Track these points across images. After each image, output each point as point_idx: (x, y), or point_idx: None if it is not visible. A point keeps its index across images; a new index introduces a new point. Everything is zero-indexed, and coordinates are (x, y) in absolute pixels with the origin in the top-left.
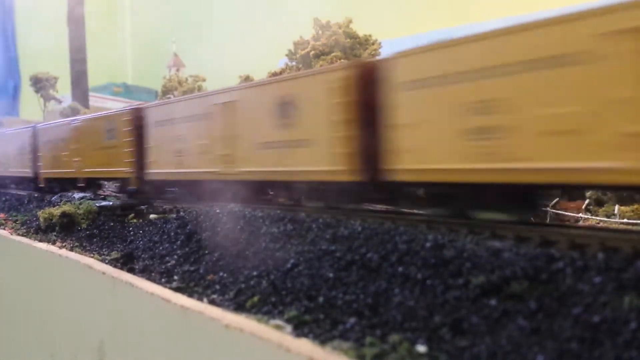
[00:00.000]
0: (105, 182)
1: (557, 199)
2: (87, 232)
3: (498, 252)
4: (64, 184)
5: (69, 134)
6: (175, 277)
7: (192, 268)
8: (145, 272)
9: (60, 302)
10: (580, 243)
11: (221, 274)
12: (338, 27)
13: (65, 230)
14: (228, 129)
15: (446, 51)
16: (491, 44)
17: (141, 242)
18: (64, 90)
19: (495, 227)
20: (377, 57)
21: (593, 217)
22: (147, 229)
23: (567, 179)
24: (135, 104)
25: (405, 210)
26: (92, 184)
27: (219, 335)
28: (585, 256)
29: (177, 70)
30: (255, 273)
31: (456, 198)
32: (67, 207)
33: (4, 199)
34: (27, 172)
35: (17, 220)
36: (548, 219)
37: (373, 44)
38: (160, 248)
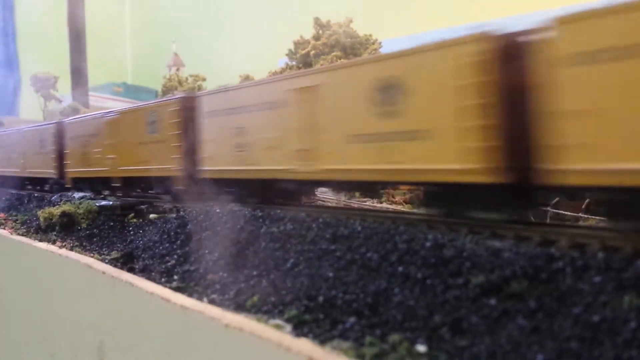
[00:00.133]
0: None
1: (558, 198)
2: (87, 232)
3: (498, 251)
4: (95, 185)
5: (102, 129)
6: (175, 277)
7: (192, 267)
8: (145, 272)
9: (60, 302)
10: (580, 242)
11: (221, 273)
12: (338, 27)
13: (65, 229)
14: (306, 119)
15: None
16: None
17: (141, 242)
18: (64, 90)
19: (496, 226)
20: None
21: (593, 217)
22: (147, 228)
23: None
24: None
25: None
26: (130, 184)
27: (219, 334)
28: (585, 256)
29: (177, 69)
30: (255, 272)
31: None
32: (67, 207)
33: (4, 198)
34: (50, 172)
35: (17, 219)
36: (548, 219)
37: (373, 43)
38: (160, 248)
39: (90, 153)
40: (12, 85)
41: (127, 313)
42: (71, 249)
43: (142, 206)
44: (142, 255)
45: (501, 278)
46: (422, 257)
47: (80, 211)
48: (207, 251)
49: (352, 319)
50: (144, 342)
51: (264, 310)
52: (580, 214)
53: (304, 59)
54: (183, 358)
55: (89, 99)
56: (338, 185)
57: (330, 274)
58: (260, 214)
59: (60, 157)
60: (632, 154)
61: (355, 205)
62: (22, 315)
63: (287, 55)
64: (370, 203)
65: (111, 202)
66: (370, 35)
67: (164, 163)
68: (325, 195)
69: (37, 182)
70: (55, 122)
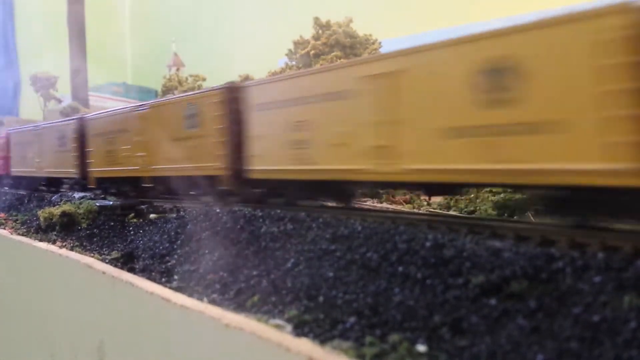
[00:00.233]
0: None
1: None
2: (87, 232)
3: (498, 251)
4: (122, 185)
5: (131, 124)
6: (176, 277)
7: (192, 267)
8: (146, 272)
9: (60, 301)
10: (580, 242)
11: (221, 273)
12: (338, 27)
13: (65, 229)
14: (384, 110)
15: None
16: None
17: (141, 242)
18: (63, 90)
19: (496, 226)
20: None
21: None
22: (147, 228)
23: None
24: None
25: None
26: (163, 184)
27: (219, 334)
28: (585, 256)
29: (177, 69)
30: (255, 272)
31: None
32: (67, 207)
33: (4, 198)
34: (71, 172)
35: (17, 219)
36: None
37: (373, 43)
38: (161, 247)
39: (117, 151)
40: (11, 85)
41: (127, 313)
42: (71, 249)
43: (143, 206)
44: (143, 255)
45: (501, 278)
46: (422, 257)
47: (81, 211)
48: (207, 251)
49: (352, 319)
50: (144, 342)
51: (264, 310)
52: None
53: (303, 59)
54: (183, 358)
55: (89, 98)
56: (423, 188)
57: (331, 274)
58: (260, 213)
59: (83, 155)
60: None
61: (356, 205)
62: (22, 315)
63: (286, 55)
64: (370, 203)
65: (111, 202)
66: (370, 35)
67: (205, 161)
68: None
69: (55, 183)
70: (77, 118)
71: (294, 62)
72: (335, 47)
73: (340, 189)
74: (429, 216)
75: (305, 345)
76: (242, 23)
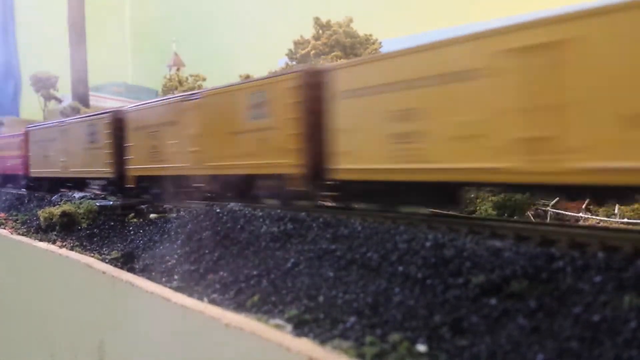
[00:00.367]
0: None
1: (557, 198)
2: (88, 232)
3: (498, 251)
4: (168, 185)
5: (180, 116)
6: (176, 277)
7: (192, 267)
8: (146, 272)
9: (60, 301)
10: (581, 242)
11: (221, 273)
12: (338, 27)
13: (65, 229)
14: (539, 92)
15: None
16: None
17: (141, 242)
18: (64, 90)
19: (496, 226)
20: None
21: (593, 217)
22: (147, 228)
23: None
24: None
25: None
26: (221, 183)
27: (219, 334)
28: (586, 255)
29: (178, 69)
30: (255, 272)
31: None
32: (67, 207)
33: (4, 198)
34: (104, 171)
35: (17, 219)
36: (548, 219)
37: (373, 43)
38: (161, 247)
39: (163, 146)
40: (12, 85)
41: (127, 313)
42: (71, 249)
43: (143, 206)
44: (143, 255)
45: (501, 278)
46: (423, 256)
47: (81, 211)
48: (207, 251)
49: (352, 319)
50: (144, 342)
51: (264, 310)
52: (580, 214)
53: (304, 58)
54: (183, 358)
55: (89, 98)
56: (590, 192)
57: (331, 274)
58: (260, 213)
59: (119, 152)
60: None
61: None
62: (22, 315)
63: (287, 55)
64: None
65: (111, 202)
66: (371, 35)
67: (273, 157)
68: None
69: (82, 184)
70: (112, 111)
71: (294, 62)
72: (336, 47)
73: (451, 193)
74: (429, 216)
75: (306, 345)
76: (242, 23)
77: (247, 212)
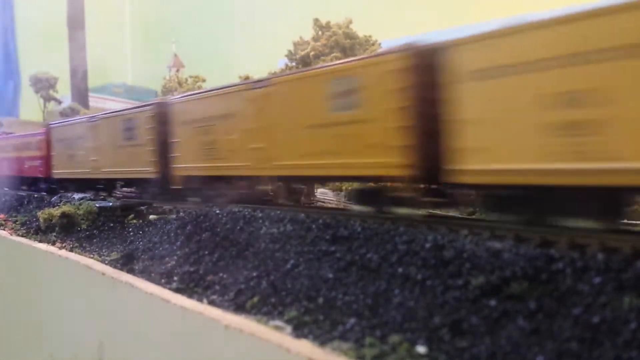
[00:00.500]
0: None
1: None
2: (87, 233)
3: (498, 252)
4: (223, 186)
5: (241, 107)
6: (175, 278)
7: (192, 269)
8: (145, 273)
9: (60, 302)
10: (580, 243)
11: (221, 274)
12: (338, 28)
13: (65, 230)
14: None
15: None
16: None
17: (141, 243)
18: (63, 91)
19: (495, 227)
20: None
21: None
22: (146, 229)
23: None
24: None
25: None
26: (288, 185)
27: (219, 336)
28: (585, 256)
29: (177, 70)
30: (255, 274)
31: None
32: (66, 208)
33: (3, 199)
34: (146, 171)
35: (17, 220)
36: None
37: (373, 44)
38: (160, 249)
39: (218, 143)
40: (11, 86)
41: (126, 314)
42: (71, 250)
43: (142, 207)
44: (142, 256)
45: (501, 279)
46: (422, 258)
47: (80, 212)
48: (207, 252)
49: (352, 320)
50: (144, 343)
51: (263, 311)
52: None
53: (303, 60)
54: (183, 359)
55: (88, 99)
56: None
57: (330, 275)
58: (259, 214)
59: (163, 149)
60: None
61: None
62: (22, 316)
63: (286, 56)
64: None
65: (111, 203)
66: (370, 36)
67: (370, 156)
68: (325, 196)
69: (113, 185)
70: (156, 103)
71: (294, 63)
72: (335, 48)
73: (617, 202)
74: (429, 217)
75: (305, 346)
76: (242, 24)
77: (246, 213)
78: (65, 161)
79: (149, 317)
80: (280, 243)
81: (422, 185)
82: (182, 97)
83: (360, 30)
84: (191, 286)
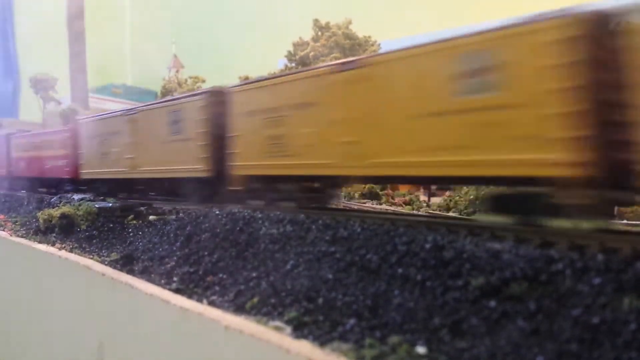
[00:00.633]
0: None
1: None
2: (87, 234)
3: (497, 253)
4: (297, 189)
5: (324, 94)
6: (175, 279)
7: (191, 269)
8: (145, 274)
9: (60, 303)
10: (580, 244)
11: (221, 275)
12: (337, 29)
13: (64, 231)
14: None
15: None
16: None
17: (140, 244)
18: (63, 92)
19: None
20: None
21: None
22: (146, 230)
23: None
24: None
25: None
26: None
27: (219, 336)
28: (585, 257)
29: (177, 71)
30: (254, 274)
31: None
32: (66, 209)
33: (3, 200)
34: (197, 169)
35: (16, 221)
36: None
37: (372, 45)
38: (160, 249)
39: (291, 137)
40: (11, 87)
41: (126, 315)
42: (71, 251)
43: (142, 208)
44: (142, 256)
45: (501, 280)
46: (422, 258)
47: (80, 213)
48: (206, 252)
49: (351, 321)
50: (144, 344)
51: (263, 312)
52: None
53: (303, 60)
54: None
55: (88, 100)
56: None
57: (330, 276)
58: (259, 215)
59: (218, 145)
60: None
61: (355, 207)
62: (22, 316)
63: (286, 56)
64: (369, 204)
65: (110, 204)
66: (369, 37)
67: (520, 151)
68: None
69: (152, 186)
70: (209, 92)
71: (293, 64)
72: (335, 48)
73: None
74: (429, 217)
75: (305, 347)
76: (241, 24)
77: (246, 214)
78: (96, 160)
79: (148, 317)
80: (280, 244)
81: (597, 190)
82: (244, 84)
83: (360, 30)
84: (191, 287)
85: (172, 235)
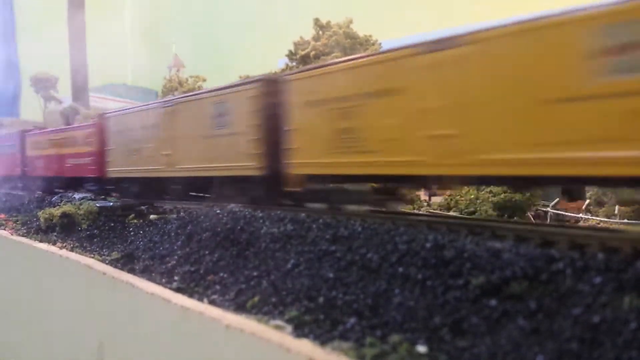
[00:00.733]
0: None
1: (558, 199)
2: (88, 233)
3: (498, 252)
4: (372, 190)
5: (410, 78)
6: (176, 278)
7: (192, 268)
8: (146, 273)
9: (61, 302)
10: (580, 243)
11: (221, 274)
12: (338, 28)
13: (65, 230)
14: None
15: None
16: None
17: (141, 243)
18: (64, 91)
19: (496, 227)
20: None
21: (593, 218)
22: (147, 229)
23: None
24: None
25: None
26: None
27: (220, 335)
28: (585, 256)
29: (178, 70)
30: (255, 273)
31: None
32: (67, 208)
33: (4, 199)
34: (247, 166)
35: (17, 220)
36: (548, 220)
37: (373, 44)
38: (161, 248)
39: (365, 129)
40: (12, 86)
41: (127, 314)
42: (71, 250)
43: (143, 207)
44: (143, 256)
45: (501, 279)
46: (423, 258)
47: (81, 212)
48: (207, 251)
49: (352, 320)
50: (144, 343)
51: (264, 311)
52: (580, 215)
53: (303, 59)
54: (183, 359)
55: (89, 99)
56: None
57: (331, 275)
58: (260, 214)
59: (271, 140)
60: None
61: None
62: (22, 316)
63: (287, 56)
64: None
65: (111, 203)
66: (370, 36)
67: None
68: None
69: (191, 185)
70: (261, 80)
71: (294, 63)
72: (336, 48)
73: None
74: (429, 217)
75: (306, 346)
76: (241, 24)
77: (246, 213)
78: (126, 157)
79: (149, 317)
80: (280, 243)
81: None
82: (304, 70)
83: (360, 30)
84: (192, 286)
85: (173, 234)
